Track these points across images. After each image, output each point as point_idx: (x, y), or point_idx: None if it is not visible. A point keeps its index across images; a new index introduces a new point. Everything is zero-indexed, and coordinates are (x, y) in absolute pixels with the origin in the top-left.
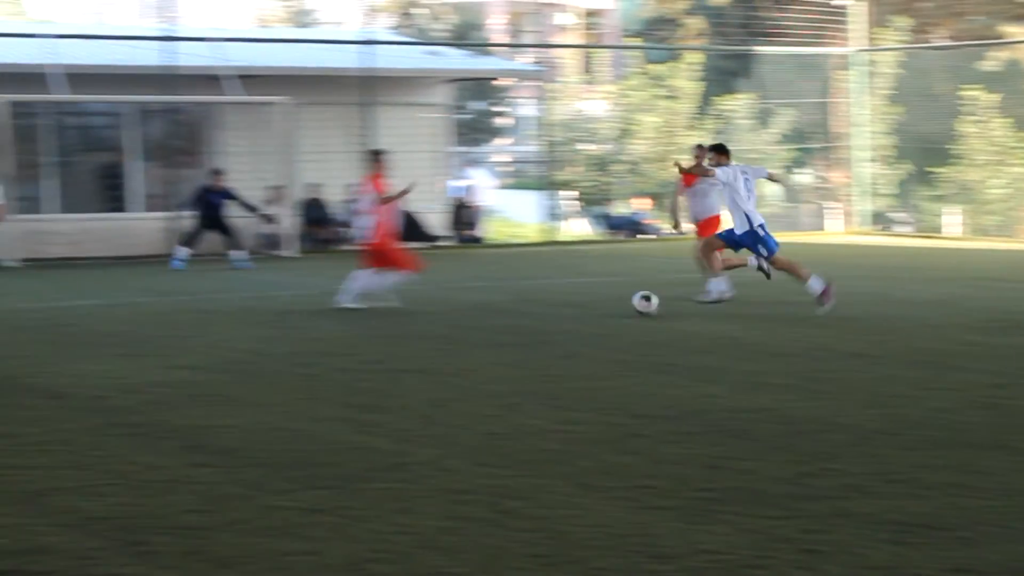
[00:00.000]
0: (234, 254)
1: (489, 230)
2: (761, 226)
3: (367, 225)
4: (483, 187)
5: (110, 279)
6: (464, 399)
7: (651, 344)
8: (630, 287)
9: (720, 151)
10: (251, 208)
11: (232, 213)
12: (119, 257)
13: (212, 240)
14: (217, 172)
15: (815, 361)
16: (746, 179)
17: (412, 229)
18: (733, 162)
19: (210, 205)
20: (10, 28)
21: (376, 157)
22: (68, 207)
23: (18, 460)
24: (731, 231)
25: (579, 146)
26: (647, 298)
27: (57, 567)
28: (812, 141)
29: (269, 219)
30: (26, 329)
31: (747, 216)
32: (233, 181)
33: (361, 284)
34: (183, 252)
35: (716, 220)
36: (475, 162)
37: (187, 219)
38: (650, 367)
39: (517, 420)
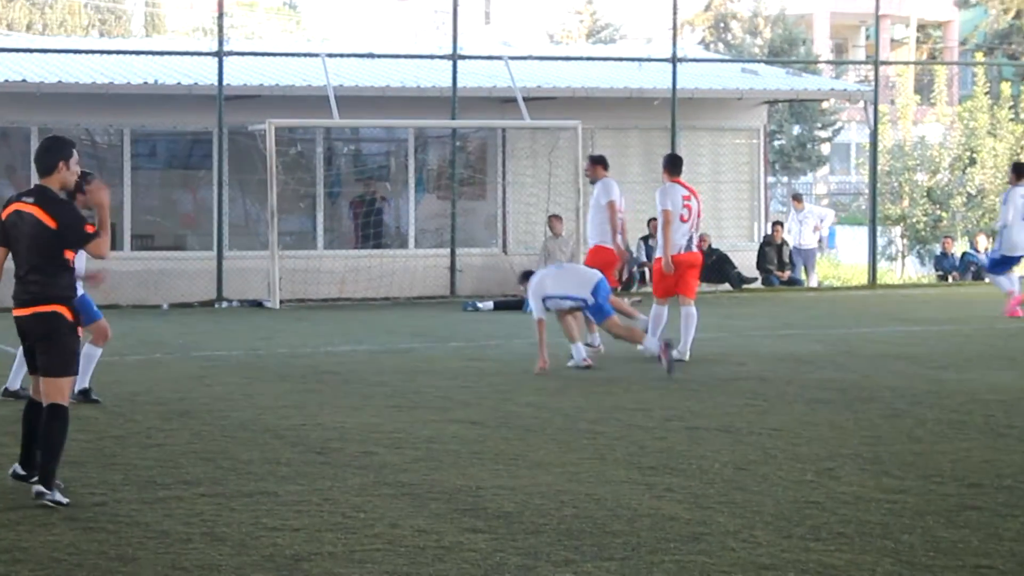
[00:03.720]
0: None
1: (812, 271)
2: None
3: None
4: (814, 223)
5: (380, 322)
6: (772, 462)
7: (988, 402)
8: (967, 337)
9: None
10: None
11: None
12: (389, 298)
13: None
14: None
15: None
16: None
17: (721, 268)
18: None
19: None
20: (280, 47)
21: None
22: (336, 243)
23: (276, 521)
24: None
25: (912, 176)
26: None
27: None
28: None
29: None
30: (289, 377)
31: None
32: (518, 214)
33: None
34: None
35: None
36: (794, 194)
37: None
38: (987, 429)
39: (832, 487)
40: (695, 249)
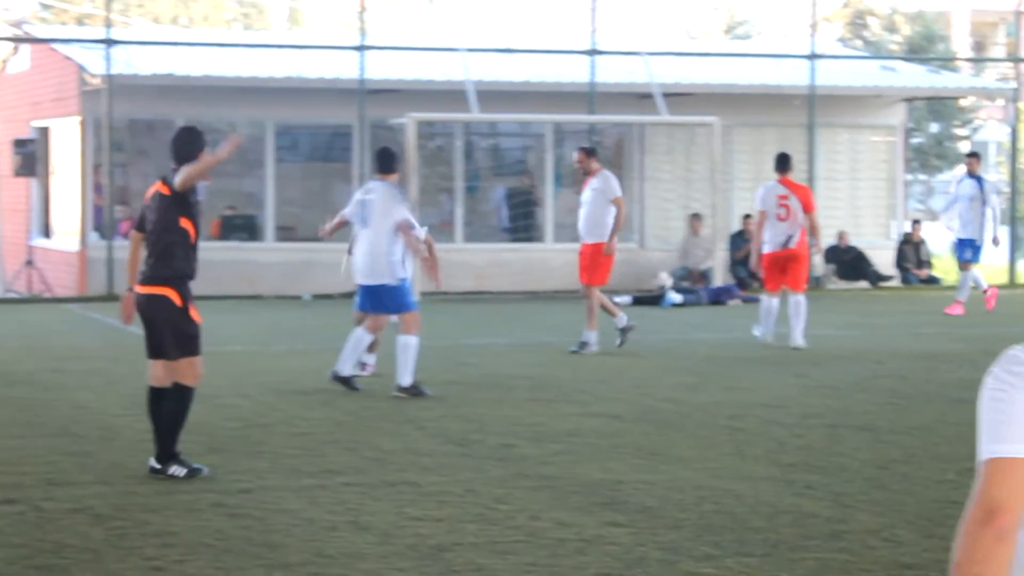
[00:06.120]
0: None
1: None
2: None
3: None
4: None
5: (519, 316)
6: (913, 461)
7: None
8: None
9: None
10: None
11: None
12: (528, 292)
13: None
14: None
15: None
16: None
17: (858, 266)
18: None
19: None
20: (419, 42)
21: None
22: (475, 236)
23: (418, 511)
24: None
25: None
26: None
27: None
28: None
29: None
30: (428, 368)
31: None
32: (656, 210)
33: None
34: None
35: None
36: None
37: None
38: None
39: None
40: (793, 246)
